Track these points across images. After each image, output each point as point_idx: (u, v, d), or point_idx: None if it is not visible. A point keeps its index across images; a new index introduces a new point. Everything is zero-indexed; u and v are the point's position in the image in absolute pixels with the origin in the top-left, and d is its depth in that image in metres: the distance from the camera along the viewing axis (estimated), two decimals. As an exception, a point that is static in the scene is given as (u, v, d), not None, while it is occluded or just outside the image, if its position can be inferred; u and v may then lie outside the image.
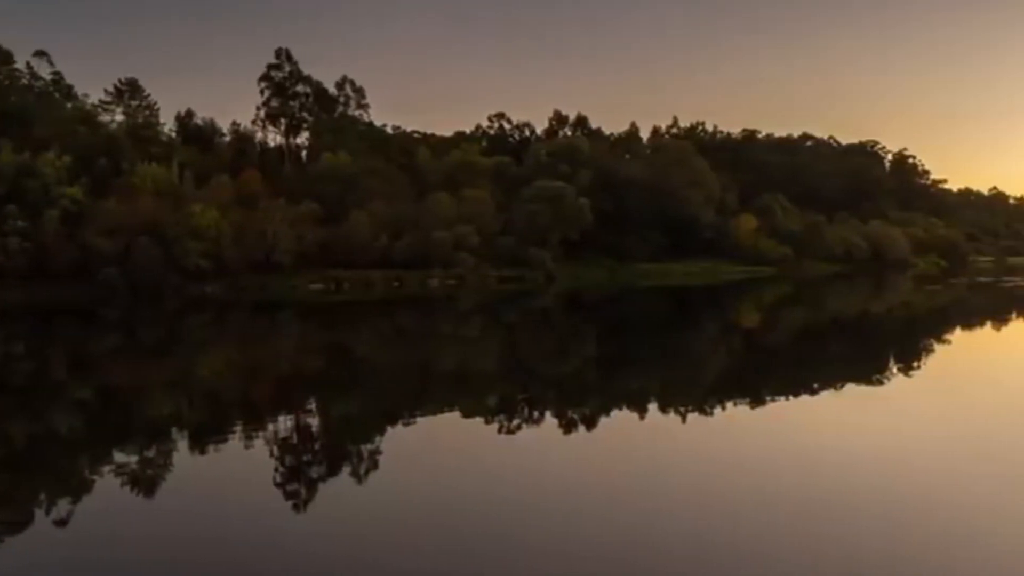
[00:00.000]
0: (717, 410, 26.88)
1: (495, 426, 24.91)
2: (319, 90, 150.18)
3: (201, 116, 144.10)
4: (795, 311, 75.90)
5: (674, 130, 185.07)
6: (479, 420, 26.02)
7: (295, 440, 23.76)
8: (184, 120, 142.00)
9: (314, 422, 27.52)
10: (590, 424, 25.23)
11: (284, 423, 26.21)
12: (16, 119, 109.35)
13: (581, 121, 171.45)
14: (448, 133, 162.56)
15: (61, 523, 16.10)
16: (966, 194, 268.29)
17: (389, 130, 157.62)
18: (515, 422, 25.54)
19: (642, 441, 22.51)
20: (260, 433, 24.00)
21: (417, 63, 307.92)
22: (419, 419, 26.28)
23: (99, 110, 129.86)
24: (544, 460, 20.37)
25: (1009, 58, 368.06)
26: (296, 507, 17.10)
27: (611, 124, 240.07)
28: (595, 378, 36.17)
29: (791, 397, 29.63)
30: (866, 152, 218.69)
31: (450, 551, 13.90)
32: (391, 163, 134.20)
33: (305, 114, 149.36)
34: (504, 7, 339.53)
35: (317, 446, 23.66)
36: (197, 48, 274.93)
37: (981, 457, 19.24)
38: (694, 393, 30.86)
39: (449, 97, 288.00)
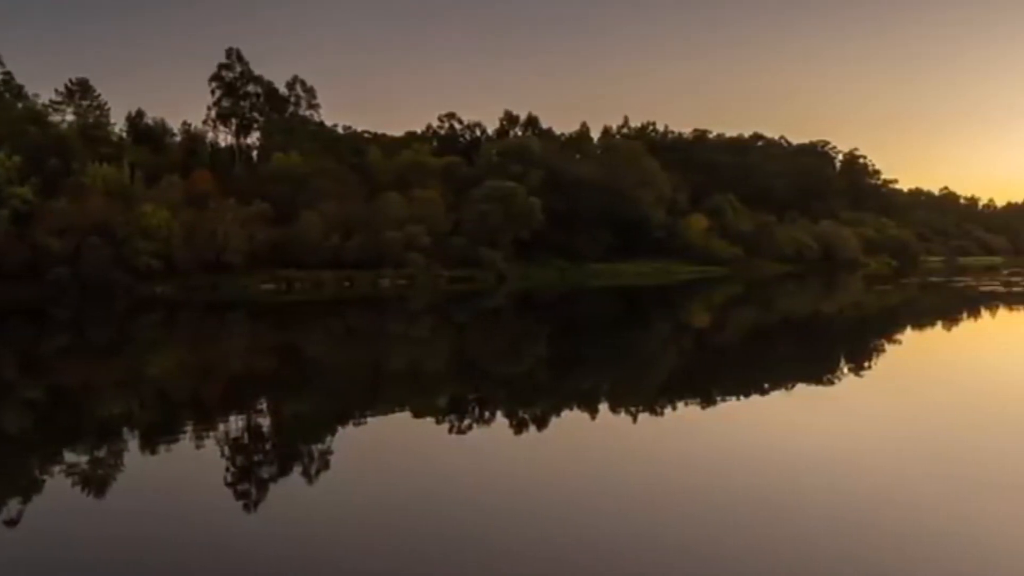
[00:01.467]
0: (668, 410, 26.93)
1: (446, 426, 24.90)
2: (270, 90, 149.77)
3: (152, 116, 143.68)
4: (746, 311, 76.28)
5: (625, 130, 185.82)
6: (430, 420, 26.05)
7: (246, 440, 23.62)
8: (135, 120, 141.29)
9: (265, 422, 27.40)
10: (541, 424, 25.22)
11: (235, 423, 26.05)
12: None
13: (532, 121, 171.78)
14: (399, 133, 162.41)
15: (11, 523, 16.03)
16: (917, 194, 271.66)
17: (340, 130, 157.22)
18: (466, 422, 25.57)
19: (593, 441, 22.56)
20: (211, 433, 23.98)
21: (368, 63, 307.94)
22: (370, 419, 26.28)
23: (49, 110, 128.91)
24: (495, 460, 20.48)
25: (960, 59, 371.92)
26: (247, 507, 17.01)
27: (562, 124, 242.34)
28: (546, 378, 36.17)
29: (742, 397, 29.60)
30: (817, 152, 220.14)
31: (402, 551, 13.94)
32: (342, 163, 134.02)
33: (256, 114, 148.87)
34: (454, 7, 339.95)
35: (268, 446, 23.59)
36: (148, 48, 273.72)
37: (931, 457, 19.42)
38: (645, 393, 30.82)
39: (400, 97, 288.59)
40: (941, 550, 13.54)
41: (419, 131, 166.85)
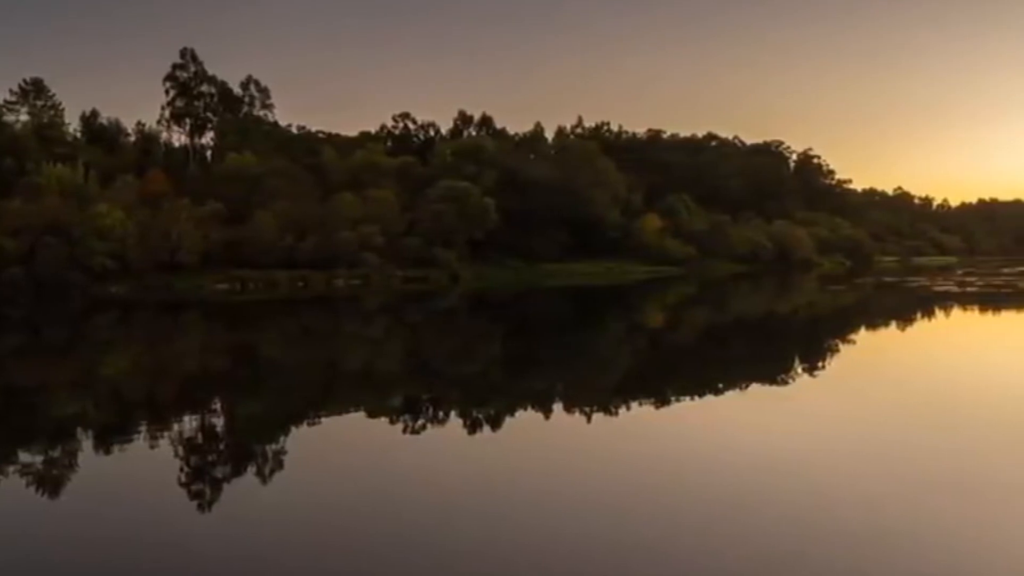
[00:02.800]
0: (622, 410, 26.92)
1: (400, 426, 24.95)
2: (224, 90, 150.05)
3: (106, 116, 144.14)
4: (700, 311, 76.47)
5: (579, 130, 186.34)
6: (384, 420, 26.10)
7: (200, 440, 23.70)
8: (89, 120, 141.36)
9: (219, 422, 27.51)
10: (495, 424, 25.22)
11: (189, 423, 26.12)
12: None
13: (486, 121, 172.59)
14: (353, 133, 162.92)
15: (-36, 524, 16.02)
16: (871, 194, 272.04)
17: (294, 130, 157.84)
18: (420, 422, 25.63)
19: (547, 441, 22.62)
20: (165, 433, 23.98)
21: (322, 63, 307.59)
22: (324, 419, 26.37)
23: (3, 110, 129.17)
24: (449, 460, 20.40)
25: (913, 59, 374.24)
26: (201, 507, 17.03)
27: (516, 124, 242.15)
28: (500, 378, 36.43)
29: (696, 397, 29.63)
30: (771, 152, 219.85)
31: (356, 551, 14.08)
32: (296, 163, 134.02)
33: (210, 114, 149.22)
34: (409, 7, 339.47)
35: (222, 446, 23.66)
36: (102, 48, 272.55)
37: (885, 457, 19.46)
38: (599, 393, 30.81)
39: (354, 97, 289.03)
40: (895, 550, 13.54)
41: (373, 131, 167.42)
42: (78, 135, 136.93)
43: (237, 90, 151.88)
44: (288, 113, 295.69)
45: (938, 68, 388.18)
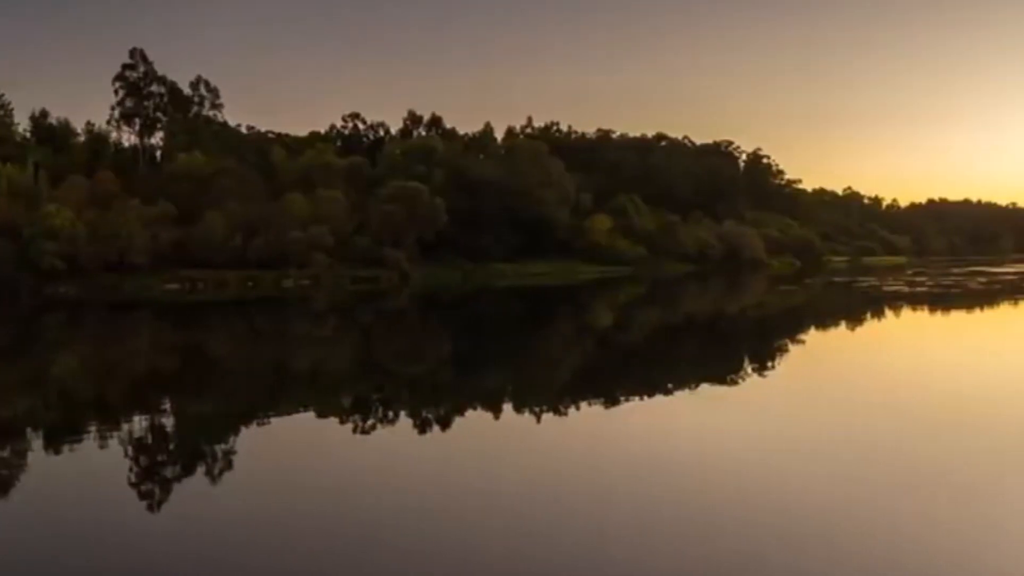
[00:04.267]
0: (572, 410, 27.08)
1: (350, 426, 25.29)
2: (173, 90, 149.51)
3: (55, 116, 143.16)
4: (650, 311, 76.55)
5: (528, 130, 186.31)
6: (334, 420, 26.40)
7: (150, 440, 23.87)
8: (38, 120, 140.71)
9: (169, 422, 27.51)
10: (444, 424, 25.47)
11: (139, 423, 26.20)
12: None
13: (436, 121, 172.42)
14: (302, 133, 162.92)
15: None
16: (820, 194, 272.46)
17: (243, 130, 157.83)
18: (370, 422, 25.99)
19: (497, 441, 22.88)
20: (115, 433, 24.12)
21: (272, 63, 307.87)
22: (274, 419, 26.48)
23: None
24: (398, 459, 20.50)
25: (862, 59, 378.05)
26: (151, 507, 17.19)
27: (466, 124, 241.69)
28: (450, 378, 36.73)
29: (646, 397, 29.76)
30: (720, 152, 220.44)
31: (303, 550, 14.04)
32: (245, 163, 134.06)
33: (159, 114, 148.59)
34: (359, 7, 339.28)
35: (172, 446, 23.72)
36: (51, 48, 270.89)
37: (834, 457, 19.60)
38: (549, 393, 31.01)
39: (304, 97, 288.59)
40: (847, 549, 13.58)
41: (323, 131, 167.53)
42: (27, 135, 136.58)
43: (187, 90, 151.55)
44: (238, 113, 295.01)
45: (888, 69, 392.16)
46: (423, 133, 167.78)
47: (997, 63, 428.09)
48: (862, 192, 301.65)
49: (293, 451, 21.81)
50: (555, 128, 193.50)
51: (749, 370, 36.92)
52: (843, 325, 59.11)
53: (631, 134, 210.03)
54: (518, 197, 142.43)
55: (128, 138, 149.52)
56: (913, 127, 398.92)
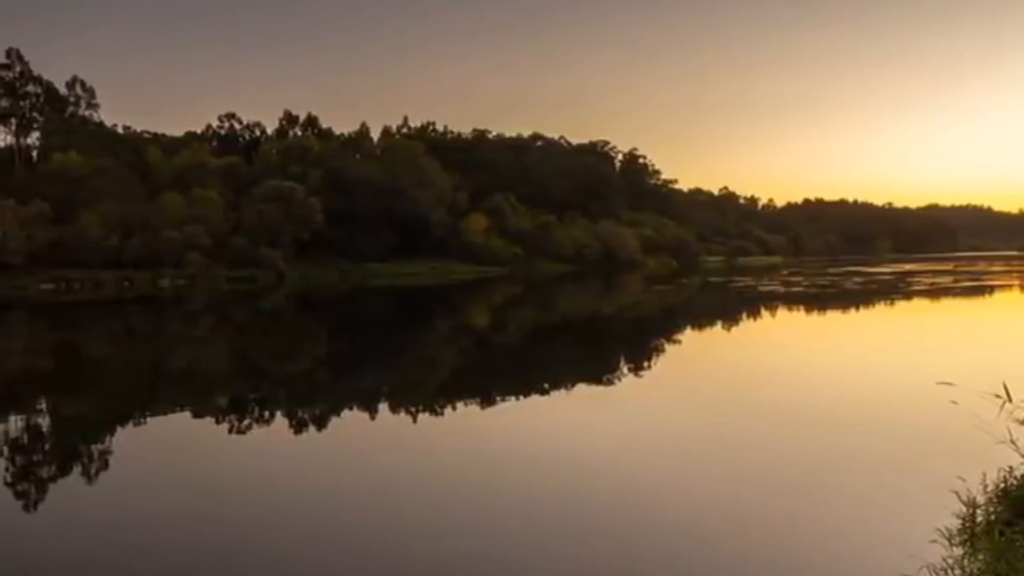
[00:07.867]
0: (447, 410, 26.86)
1: (225, 426, 24.88)
2: (49, 90, 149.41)
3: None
4: (525, 311, 75.69)
5: (404, 130, 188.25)
6: (210, 420, 25.90)
7: (25, 440, 23.47)
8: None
9: (44, 422, 26.96)
10: (320, 424, 25.20)
11: (14, 423, 25.62)
12: None
13: (312, 121, 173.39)
14: (179, 133, 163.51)
15: None
16: (696, 194, 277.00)
17: (120, 130, 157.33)
18: (245, 422, 25.64)
19: (371, 441, 22.71)
20: None
21: (148, 63, 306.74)
22: (149, 419, 26.03)
23: None
24: (272, 460, 20.24)
25: (738, 59, 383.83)
26: (26, 508, 17.05)
27: (342, 124, 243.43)
28: (325, 378, 36.55)
29: (521, 397, 29.38)
30: (596, 152, 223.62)
31: (180, 550, 13.99)
32: (121, 163, 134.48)
33: (35, 114, 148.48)
34: (236, 7, 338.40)
35: (47, 446, 23.27)
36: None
37: (708, 456, 19.49)
38: (424, 393, 30.66)
39: (180, 97, 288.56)
40: (720, 548, 13.63)
41: (199, 131, 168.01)
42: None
43: (63, 90, 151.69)
44: (114, 113, 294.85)
45: (765, 69, 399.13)
46: (299, 133, 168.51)
47: (872, 64, 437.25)
48: (738, 192, 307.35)
49: (169, 451, 21.43)
50: (431, 128, 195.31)
51: (625, 370, 36.30)
52: (718, 325, 58.38)
53: (507, 134, 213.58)
54: (394, 197, 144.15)
55: (3, 138, 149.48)
56: (789, 128, 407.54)
